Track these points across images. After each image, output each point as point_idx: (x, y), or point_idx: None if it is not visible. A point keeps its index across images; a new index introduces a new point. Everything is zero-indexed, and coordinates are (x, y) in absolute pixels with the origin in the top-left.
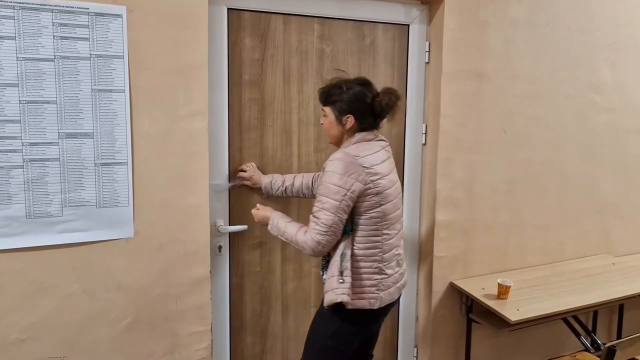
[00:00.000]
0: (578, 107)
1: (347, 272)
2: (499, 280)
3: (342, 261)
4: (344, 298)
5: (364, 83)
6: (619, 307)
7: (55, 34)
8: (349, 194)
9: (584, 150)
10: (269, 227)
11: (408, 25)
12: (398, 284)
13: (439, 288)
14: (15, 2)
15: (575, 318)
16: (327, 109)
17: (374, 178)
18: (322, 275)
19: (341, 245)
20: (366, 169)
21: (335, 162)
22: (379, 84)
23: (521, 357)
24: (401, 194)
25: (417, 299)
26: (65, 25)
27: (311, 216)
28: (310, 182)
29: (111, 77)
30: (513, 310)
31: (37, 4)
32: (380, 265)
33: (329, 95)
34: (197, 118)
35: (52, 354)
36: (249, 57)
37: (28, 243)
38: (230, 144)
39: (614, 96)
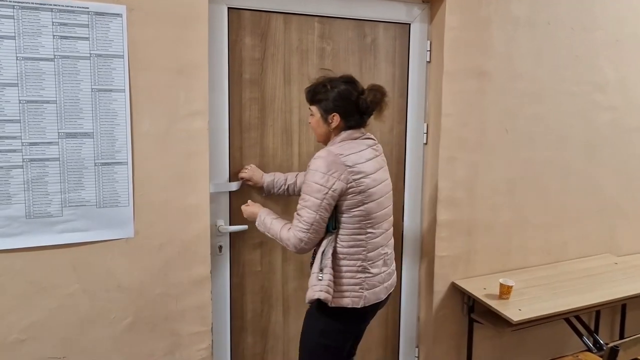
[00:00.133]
0: (580, 106)
1: (327, 270)
2: (500, 280)
3: (322, 259)
4: (322, 295)
5: (349, 81)
6: (622, 307)
7: (55, 34)
8: (330, 192)
9: (586, 150)
10: (257, 223)
11: (409, 24)
12: (385, 284)
13: (441, 288)
14: (15, 2)
15: (578, 318)
16: (314, 108)
17: (356, 177)
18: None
19: (324, 243)
20: (349, 168)
21: (318, 161)
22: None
23: (523, 357)
24: (390, 192)
25: (418, 299)
26: (65, 24)
27: (295, 214)
28: None
29: (111, 77)
30: (515, 310)
31: (37, 3)
32: (364, 264)
33: (314, 94)
34: (198, 118)
35: (52, 354)
36: (250, 57)
37: (28, 243)
38: (231, 144)
39: (616, 95)
